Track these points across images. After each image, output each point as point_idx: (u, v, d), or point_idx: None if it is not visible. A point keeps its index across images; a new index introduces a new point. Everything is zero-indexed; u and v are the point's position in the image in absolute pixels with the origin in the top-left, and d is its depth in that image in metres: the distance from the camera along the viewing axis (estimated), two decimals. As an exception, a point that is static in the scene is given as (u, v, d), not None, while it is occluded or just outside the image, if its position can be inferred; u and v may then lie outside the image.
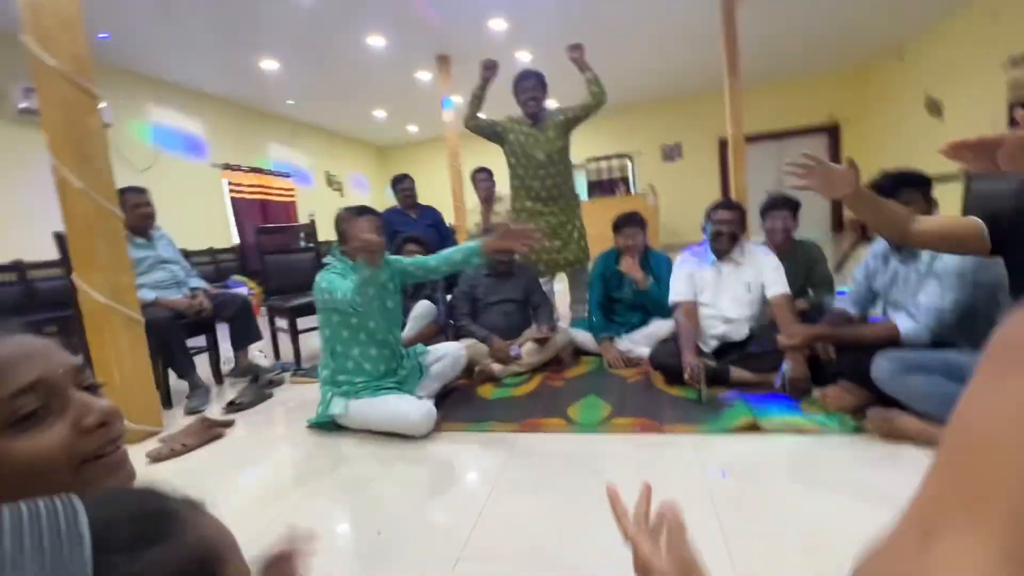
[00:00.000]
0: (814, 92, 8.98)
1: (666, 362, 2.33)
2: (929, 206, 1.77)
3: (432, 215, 4.05)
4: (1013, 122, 0.93)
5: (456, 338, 2.90)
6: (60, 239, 2.43)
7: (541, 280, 3.13)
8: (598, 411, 2.14)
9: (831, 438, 1.74)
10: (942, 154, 1.00)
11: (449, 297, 3.13)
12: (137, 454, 2.04)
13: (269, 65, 6.01)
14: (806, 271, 2.57)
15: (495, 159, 3.63)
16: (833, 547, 1.17)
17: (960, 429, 0.24)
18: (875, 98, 8.39)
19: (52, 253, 2.61)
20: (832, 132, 9.10)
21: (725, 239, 2.36)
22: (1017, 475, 0.21)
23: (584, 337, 2.95)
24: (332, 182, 9.60)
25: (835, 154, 9.04)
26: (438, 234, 3.93)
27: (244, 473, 1.97)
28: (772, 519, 1.34)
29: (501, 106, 3.64)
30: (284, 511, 1.60)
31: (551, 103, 3.47)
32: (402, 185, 3.98)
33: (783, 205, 2.60)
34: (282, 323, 3.44)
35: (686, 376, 2.14)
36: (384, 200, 10.07)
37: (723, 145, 8.57)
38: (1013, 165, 0.91)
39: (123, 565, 0.26)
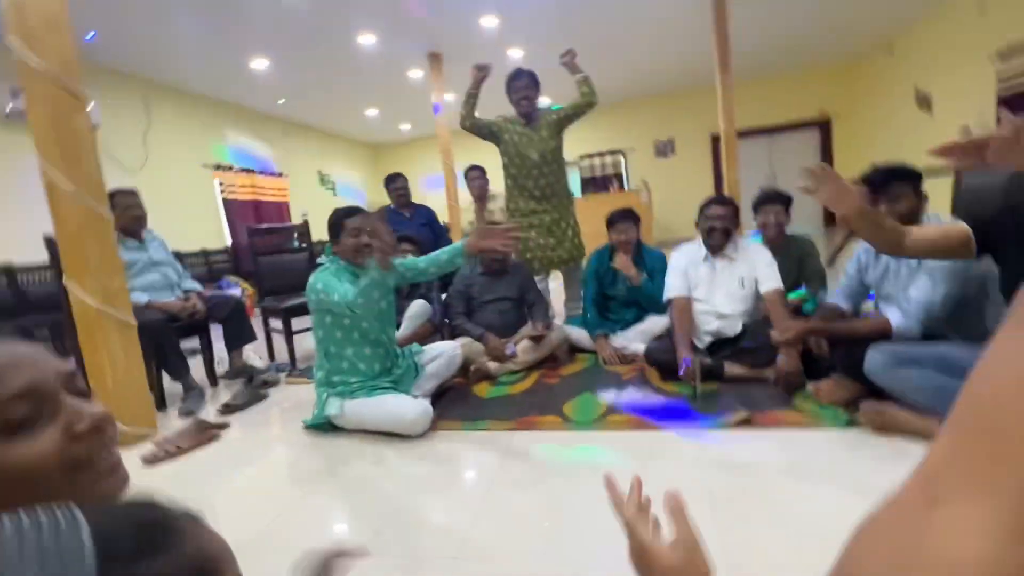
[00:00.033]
0: (805, 87, 9.00)
1: (661, 358, 2.34)
2: (919, 200, 1.79)
3: (426, 214, 4.04)
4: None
5: (451, 337, 2.90)
6: (50, 243, 2.40)
7: (536, 278, 3.13)
8: (594, 408, 2.15)
9: (825, 432, 1.76)
10: (932, 155, 1.02)
11: (444, 296, 3.13)
12: (131, 457, 2.02)
13: (259, 64, 5.96)
14: (798, 265, 2.59)
15: (488, 157, 3.62)
16: (827, 540, 1.17)
17: (976, 391, 0.22)
18: (865, 92, 8.43)
19: (43, 256, 2.59)
20: (823, 127, 9.13)
21: (718, 235, 2.37)
22: None
23: (579, 334, 2.95)
24: (325, 181, 9.55)
25: (826, 149, 9.08)
26: (432, 233, 3.92)
27: (240, 475, 1.96)
28: (767, 513, 1.35)
29: (495, 105, 3.64)
30: (281, 512, 1.60)
31: (544, 100, 3.47)
32: (395, 184, 3.97)
33: (775, 200, 2.61)
34: (276, 324, 3.43)
35: (681, 372, 2.15)
36: (378, 199, 10.02)
37: (715, 140, 8.60)
38: (1000, 160, 0.94)
39: (124, 575, 0.26)
